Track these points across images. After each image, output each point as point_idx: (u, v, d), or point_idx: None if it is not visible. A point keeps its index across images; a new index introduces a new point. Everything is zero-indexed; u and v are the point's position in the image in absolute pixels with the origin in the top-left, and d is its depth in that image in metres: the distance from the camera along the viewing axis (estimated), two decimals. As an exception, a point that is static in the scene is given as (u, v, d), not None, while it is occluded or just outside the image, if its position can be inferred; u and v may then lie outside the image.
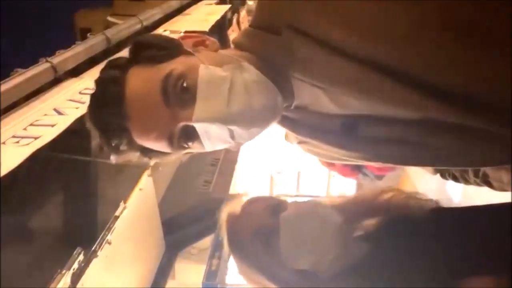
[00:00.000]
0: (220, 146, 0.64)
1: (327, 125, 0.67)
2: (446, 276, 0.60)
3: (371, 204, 0.74)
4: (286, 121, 0.70)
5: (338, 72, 0.58)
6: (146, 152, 0.65)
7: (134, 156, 0.65)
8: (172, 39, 0.67)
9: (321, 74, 0.60)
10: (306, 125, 0.69)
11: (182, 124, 0.59)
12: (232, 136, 0.61)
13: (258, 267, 0.67)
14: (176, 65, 0.60)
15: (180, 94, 0.59)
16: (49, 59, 2.14)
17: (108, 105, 0.60)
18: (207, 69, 0.60)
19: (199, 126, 0.58)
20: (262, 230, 0.67)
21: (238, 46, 0.67)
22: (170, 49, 0.63)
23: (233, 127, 0.59)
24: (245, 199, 0.76)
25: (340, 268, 0.63)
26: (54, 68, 2.11)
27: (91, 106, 0.62)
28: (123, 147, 0.62)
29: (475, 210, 0.70)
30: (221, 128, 0.59)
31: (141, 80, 0.61)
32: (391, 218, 0.71)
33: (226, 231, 0.73)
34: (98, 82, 0.63)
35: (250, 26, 0.66)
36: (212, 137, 0.60)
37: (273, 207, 0.69)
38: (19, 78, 1.96)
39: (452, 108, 0.54)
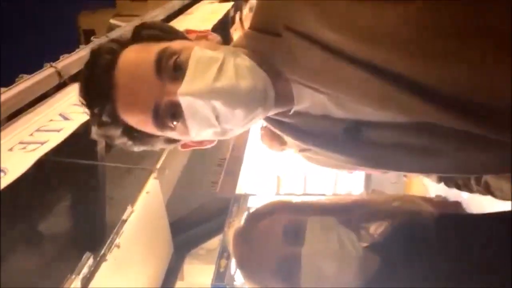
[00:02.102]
0: (205, 131, 0.62)
1: (328, 130, 0.65)
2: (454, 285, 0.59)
3: (379, 208, 0.73)
4: (285, 127, 0.69)
5: (340, 77, 0.57)
6: (129, 131, 0.63)
7: (115, 133, 0.63)
8: (173, 27, 0.68)
9: (321, 77, 0.59)
10: (306, 131, 0.67)
11: (168, 98, 0.59)
12: (218, 117, 0.59)
13: None
14: (174, 44, 0.61)
15: (172, 69, 0.59)
16: (53, 64, 2.14)
17: (97, 71, 0.60)
18: (200, 50, 0.60)
19: (183, 100, 0.58)
20: (284, 263, 0.65)
21: (238, 46, 0.67)
22: (171, 32, 0.64)
23: (217, 103, 0.58)
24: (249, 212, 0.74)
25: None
26: (58, 73, 2.11)
27: (82, 72, 0.62)
28: (105, 117, 0.61)
29: (480, 217, 0.69)
30: (205, 104, 0.58)
31: (135, 52, 0.61)
32: (397, 225, 0.70)
33: (236, 252, 0.70)
34: (93, 51, 0.63)
35: (249, 28, 0.66)
36: (196, 115, 0.59)
37: (292, 232, 0.66)
38: (24, 84, 1.96)
39: (454, 114, 0.53)
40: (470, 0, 0.50)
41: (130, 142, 0.65)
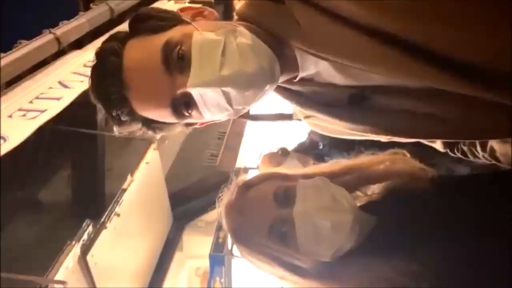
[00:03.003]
0: (219, 115, 0.63)
1: (334, 97, 0.65)
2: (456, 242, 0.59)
3: (369, 172, 0.72)
4: (291, 95, 0.69)
5: (343, 42, 0.57)
6: (149, 123, 0.65)
7: (136, 128, 0.65)
8: (169, 11, 0.67)
9: (326, 44, 0.58)
10: (312, 98, 0.67)
11: (180, 90, 0.59)
12: (229, 101, 0.60)
13: (275, 260, 0.65)
14: (174, 33, 0.61)
15: (177, 61, 0.59)
16: (52, 30, 2.10)
17: (107, 76, 0.61)
18: (200, 35, 0.60)
19: (194, 92, 0.58)
20: (276, 224, 0.64)
21: (240, 16, 0.66)
22: (168, 19, 0.63)
23: (227, 89, 0.58)
24: (241, 179, 0.73)
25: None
26: (58, 39, 2.08)
27: (92, 78, 0.63)
28: (124, 117, 0.63)
29: (477, 177, 0.68)
30: (215, 92, 0.59)
31: (139, 50, 0.61)
32: (392, 185, 0.69)
33: (229, 225, 0.69)
34: (97, 54, 0.63)
35: None
36: (208, 103, 0.60)
37: (280, 194, 0.66)
38: (23, 50, 1.93)
39: (460, 79, 0.52)
40: None
41: (151, 131, 0.67)
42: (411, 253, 0.60)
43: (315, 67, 0.63)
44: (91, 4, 2.54)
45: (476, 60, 0.52)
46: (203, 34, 0.60)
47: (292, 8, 0.59)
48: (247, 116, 2.81)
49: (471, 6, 0.50)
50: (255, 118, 2.94)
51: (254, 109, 2.80)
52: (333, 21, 0.56)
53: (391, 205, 0.66)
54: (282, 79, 0.66)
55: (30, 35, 2.04)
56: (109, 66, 0.61)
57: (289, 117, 2.54)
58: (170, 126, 0.67)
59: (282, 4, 0.60)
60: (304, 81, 0.66)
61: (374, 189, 0.71)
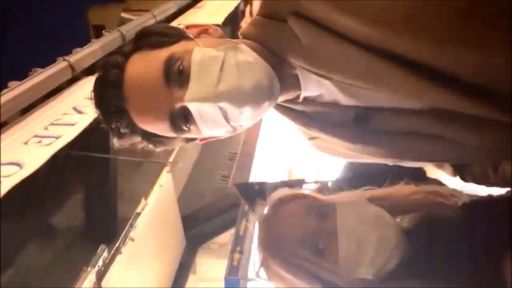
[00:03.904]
0: (217, 131, 0.63)
1: (338, 118, 0.64)
2: (486, 267, 0.58)
3: (402, 201, 0.71)
4: (295, 115, 0.69)
5: (346, 61, 0.56)
6: (148, 136, 0.65)
7: (136, 140, 0.66)
8: (173, 27, 0.68)
9: (328, 62, 0.58)
10: (316, 119, 0.67)
11: (178, 104, 0.60)
12: (226, 117, 0.60)
13: (312, 278, 0.64)
14: (177, 48, 0.62)
15: (177, 75, 0.60)
16: (66, 57, 2.14)
17: (108, 88, 0.62)
18: (200, 51, 0.61)
19: (191, 106, 0.59)
20: (310, 235, 0.64)
21: (244, 35, 0.67)
22: (171, 35, 0.64)
23: (223, 104, 0.59)
24: (274, 197, 0.74)
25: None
26: (71, 66, 2.11)
27: (94, 90, 0.64)
28: (123, 130, 0.63)
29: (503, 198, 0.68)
30: (212, 107, 0.59)
31: (141, 63, 0.62)
32: (425, 216, 0.68)
33: (263, 235, 0.70)
34: (101, 66, 0.65)
35: (257, 15, 0.66)
36: (205, 118, 0.60)
37: (316, 209, 0.66)
38: (38, 78, 1.97)
39: (467, 99, 0.52)
40: None
41: (151, 145, 0.68)
42: (448, 277, 0.58)
43: (318, 87, 0.63)
44: (103, 31, 2.60)
45: (485, 80, 0.51)
46: (203, 50, 0.61)
47: (295, 26, 0.59)
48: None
49: (483, 26, 0.50)
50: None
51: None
52: (336, 39, 0.56)
53: (423, 233, 0.65)
54: (283, 97, 0.66)
55: (43, 63, 2.09)
56: (111, 78, 0.61)
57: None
58: (170, 140, 0.67)
59: (285, 23, 0.60)
60: (307, 101, 0.66)
61: (404, 217, 0.70)
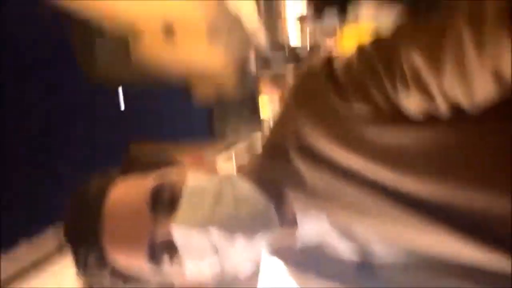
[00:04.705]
0: (202, 264, 0.58)
1: (339, 270, 0.62)
2: None
3: None
4: (291, 262, 0.66)
5: (347, 198, 0.56)
6: (118, 274, 0.59)
7: (103, 277, 0.59)
8: (165, 150, 0.67)
9: (328, 199, 0.58)
10: (316, 271, 0.64)
11: (162, 230, 0.56)
12: (214, 248, 0.56)
13: None
14: (166, 176, 0.60)
15: (166, 205, 0.57)
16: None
17: (84, 212, 0.58)
18: (194, 180, 0.59)
19: (176, 230, 0.55)
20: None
21: (242, 172, 0.66)
22: (161, 162, 0.63)
23: (213, 228, 0.55)
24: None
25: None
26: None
27: (68, 213, 0.60)
28: (90, 261, 0.57)
29: None
30: (200, 233, 0.55)
31: (125, 188, 0.59)
32: None
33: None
34: (80, 189, 0.61)
35: (261, 148, 0.67)
36: (192, 248, 0.56)
37: None
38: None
39: (496, 251, 0.47)
40: (501, 121, 0.47)
41: (120, 283, 0.61)
42: None
43: (317, 229, 0.62)
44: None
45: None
46: (195, 178, 0.59)
47: (296, 162, 0.59)
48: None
49: (500, 168, 0.48)
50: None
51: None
52: (339, 176, 0.56)
53: None
54: (280, 240, 0.64)
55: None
56: (90, 202, 0.58)
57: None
58: (141, 283, 0.61)
59: (287, 158, 0.60)
60: (305, 250, 0.65)
61: None
